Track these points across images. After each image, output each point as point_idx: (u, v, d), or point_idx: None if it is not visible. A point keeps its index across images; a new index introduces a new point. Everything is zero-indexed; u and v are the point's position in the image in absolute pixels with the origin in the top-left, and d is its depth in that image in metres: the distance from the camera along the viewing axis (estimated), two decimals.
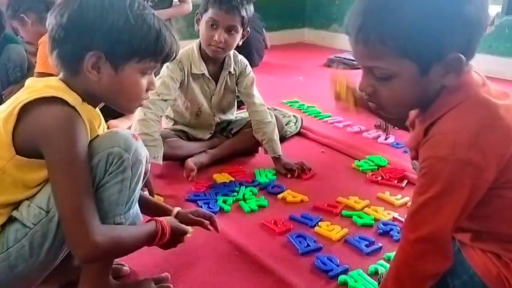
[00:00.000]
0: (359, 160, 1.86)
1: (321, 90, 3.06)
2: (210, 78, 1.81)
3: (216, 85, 1.83)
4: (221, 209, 1.51)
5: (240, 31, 1.73)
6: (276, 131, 1.85)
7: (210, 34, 1.69)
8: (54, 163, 0.88)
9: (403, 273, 0.85)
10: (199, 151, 1.83)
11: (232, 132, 1.97)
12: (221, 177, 1.74)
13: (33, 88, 0.92)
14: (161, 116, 1.76)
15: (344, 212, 1.48)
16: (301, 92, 2.91)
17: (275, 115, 1.93)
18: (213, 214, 1.26)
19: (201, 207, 1.49)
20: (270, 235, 1.37)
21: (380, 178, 1.71)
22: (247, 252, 1.27)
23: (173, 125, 1.92)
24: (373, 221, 1.42)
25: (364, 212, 1.48)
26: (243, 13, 1.70)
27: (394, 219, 1.43)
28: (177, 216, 1.14)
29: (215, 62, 1.81)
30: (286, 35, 4.72)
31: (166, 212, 1.15)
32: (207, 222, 1.19)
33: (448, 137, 0.79)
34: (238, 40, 1.75)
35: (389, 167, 1.80)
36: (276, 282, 1.15)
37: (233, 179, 1.72)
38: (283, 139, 2.05)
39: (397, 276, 0.86)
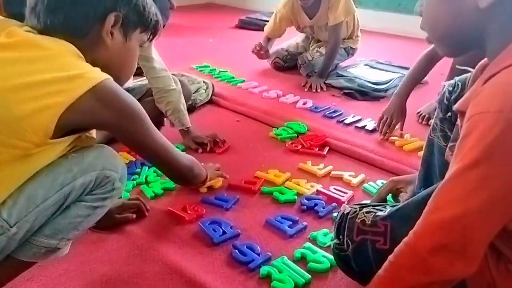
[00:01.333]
0: (277, 128, 1.69)
1: (233, 53, 2.85)
2: None
3: None
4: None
5: None
6: (183, 99, 1.60)
7: None
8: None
9: (402, 270, 0.64)
10: None
11: None
12: None
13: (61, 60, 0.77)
14: None
15: (263, 188, 1.30)
16: (212, 56, 2.66)
17: (180, 81, 1.67)
18: (142, 201, 1.18)
19: None
20: (179, 224, 1.15)
21: (300, 146, 1.56)
22: (150, 248, 1.05)
23: None
24: (295, 197, 1.26)
25: (286, 187, 1.32)
26: None
27: (318, 192, 1.29)
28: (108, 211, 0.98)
29: None
30: None
31: None
32: (131, 215, 1.14)
33: (502, 89, 0.60)
34: None
35: (310, 134, 1.65)
36: (185, 284, 0.95)
37: (133, 158, 1.46)
38: (192, 108, 1.81)
39: (392, 274, 0.66)
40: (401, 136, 1.62)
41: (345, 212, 0.86)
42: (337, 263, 0.89)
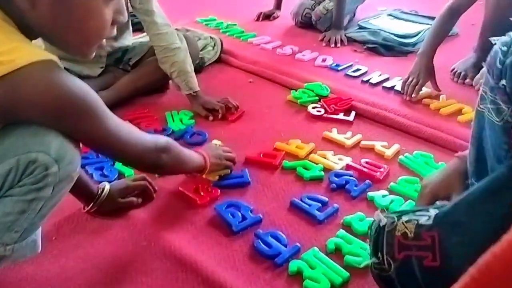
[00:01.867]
0: (296, 90, 1.51)
1: (241, 3, 2.61)
2: None
3: None
4: (120, 174, 1.11)
5: None
6: (189, 59, 1.41)
7: None
8: None
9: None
10: None
11: (131, 63, 1.50)
12: None
13: None
14: None
15: (285, 163, 1.14)
16: (218, 7, 2.43)
17: (186, 37, 1.48)
18: (150, 181, 1.03)
19: (91, 175, 1.08)
20: (192, 208, 1.00)
21: (323, 111, 1.38)
22: (159, 239, 0.90)
23: None
24: (322, 173, 1.10)
25: (310, 161, 1.16)
26: None
27: (348, 167, 1.13)
28: (109, 194, 0.95)
29: None
30: None
31: (91, 192, 0.94)
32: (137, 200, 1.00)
33: None
34: None
35: (333, 97, 1.47)
36: (202, 285, 0.81)
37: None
38: (199, 68, 1.63)
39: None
40: (437, 97, 1.44)
41: (381, 225, 0.70)
42: (378, 285, 0.73)
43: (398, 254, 0.67)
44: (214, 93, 1.47)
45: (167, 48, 1.37)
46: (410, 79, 1.47)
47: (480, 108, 0.77)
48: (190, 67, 1.40)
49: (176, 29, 1.86)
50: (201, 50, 1.71)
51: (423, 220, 0.66)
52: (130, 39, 1.54)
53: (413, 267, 0.65)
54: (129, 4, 1.38)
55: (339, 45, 1.92)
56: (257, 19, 2.26)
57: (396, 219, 0.69)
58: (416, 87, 1.44)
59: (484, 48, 1.55)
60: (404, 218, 0.68)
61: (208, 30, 2.07)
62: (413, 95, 1.43)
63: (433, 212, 0.67)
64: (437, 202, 0.82)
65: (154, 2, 1.38)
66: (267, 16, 2.27)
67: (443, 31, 1.49)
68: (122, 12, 0.72)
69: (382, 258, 0.68)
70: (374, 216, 0.73)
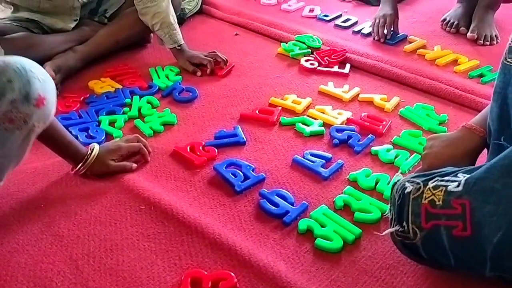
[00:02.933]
0: (286, 43, 1.43)
1: None
2: None
3: None
4: (108, 135, 1.03)
5: None
6: (172, 10, 1.31)
7: None
8: None
9: None
10: (63, 48, 1.25)
11: (107, 15, 1.38)
12: (101, 85, 1.21)
13: None
14: None
15: (282, 119, 1.09)
16: None
17: None
18: (144, 142, 0.96)
19: (76, 136, 0.99)
20: (189, 168, 0.95)
21: (317, 64, 1.32)
22: (159, 202, 0.85)
23: (13, 12, 1.27)
24: (323, 128, 1.06)
25: (308, 116, 1.11)
26: None
27: (349, 121, 1.09)
28: (99, 155, 0.88)
29: None
30: None
31: (79, 152, 0.87)
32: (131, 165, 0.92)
33: None
34: None
35: (325, 49, 1.40)
36: (210, 247, 0.77)
37: (119, 86, 1.21)
38: (181, 21, 1.51)
39: None
40: (432, 47, 1.40)
41: (406, 191, 0.65)
42: (400, 250, 0.70)
43: (425, 223, 0.63)
44: (199, 47, 1.38)
45: None
46: (377, 20, 1.47)
47: (508, 62, 0.72)
48: (173, 19, 1.30)
49: None
50: (182, 1, 1.60)
51: (452, 186, 0.62)
52: None
53: (441, 236, 0.62)
54: None
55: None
56: None
57: (422, 185, 0.65)
58: (386, 27, 1.45)
59: None
60: (431, 184, 0.64)
61: None
62: (385, 37, 1.45)
63: (462, 177, 0.62)
64: None
65: None
66: None
67: None
68: None
69: (407, 226, 0.65)
70: (394, 177, 0.68)
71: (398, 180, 0.69)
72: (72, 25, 1.31)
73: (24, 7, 1.26)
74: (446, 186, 0.62)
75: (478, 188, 0.60)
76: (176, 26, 1.30)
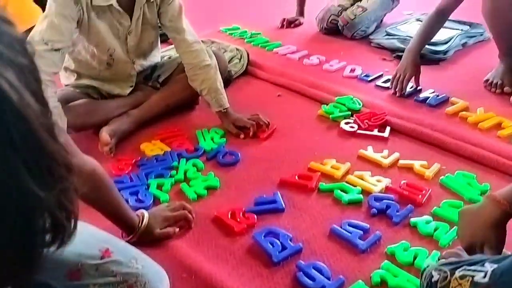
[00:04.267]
0: (327, 105, 1.48)
1: (265, 10, 2.57)
2: (121, 10, 1.28)
3: (130, 20, 1.31)
4: (156, 199, 1.10)
5: None
6: (219, 76, 1.40)
7: None
8: None
9: None
10: (119, 113, 1.36)
11: (160, 80, 1.49)
12: (152, 147, 1.30)
13: None
14: (56, 73, 1.24)
15: (321, 185, 1.12)
16: (241, 14, 2.41)
17: (215, 54, 1.46)
18: (189, 209, 1.02)
19: (126, 200, 1.07)
20: (229, 235, 0.99)
21: (356, 127, 1.35)
22: (200, 270, 0.89)
23: (76, 79, 1.41)
24: (361, 196, 1.08)
25: (347, 183, 1.13)
26: None
27: (388, 189, 1.10)
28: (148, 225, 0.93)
29: None
30: None
31: (132, 223, 0.92)
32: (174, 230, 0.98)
33: None
34: None
35: (365, 111, 1.43)
36: None
37: (168, 148, 1.29)
38: (227, 82, 1.60)
39: None
40: (475, 110, 1.39)
41: (433, 280, 0.66)
42: None
43: None
44: (243, 108, 1.46)
45: (197, 66, 1.36)
46: (398, 75, 1.53)
47: None
48: (220, 84, 1.38)
49: (202, 41, 1.86)
50: (228, 63, 1.70)
51: (478, 277, 0.61)
52: (159, 55, 1.53)
53: None
54: (158, 21, 1.38)
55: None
56: (281, 26, 2.23)
57: (449, 274, 0.65)
58: (404, 81, 1.50)
59: (509, 51, 1.51)
60: (458, 273, 0.64)
61: (232, 40, 2.06)
62: (402, 91, 1.51)
63: (489, 267, 0.62)
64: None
65: (184, 20, 1.37)
66: (291, 23, 2.23)
67: (431, 31, 1.58)
68: None
69: None
70: (425, 269, 0.69)
71: (428, 266, 0.69)
72: (128, 91, 1.43)
73: (86, 74, 1.40)
74: (473, 276, 0.62)
75: (505, 280, 0.60)
76: (223, 90, 1.39)
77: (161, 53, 1.57)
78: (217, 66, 1.40)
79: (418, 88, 1.53)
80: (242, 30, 2.17)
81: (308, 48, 1.93)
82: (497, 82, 1.54)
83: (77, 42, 1.30)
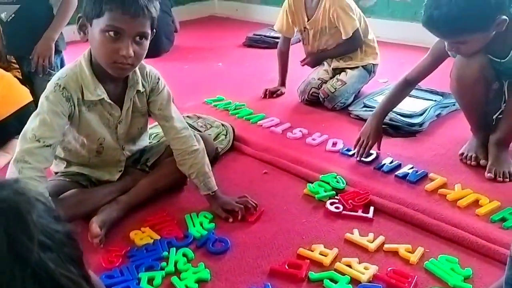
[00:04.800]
0: (312, 183, 1.53)
1: (246, 80, 2.64)
2: (112, 103, 1.33)
3: (121, 110, 1.36)
4: None
5: (150, 34, 1.27)
6: (207, 159, 1.44)
7: (112, 48, 1.20)
8: None
9: None
10: (108, 200, 1.37)
11: (149, 164, 1.53)
12: (141, 235, 1.31)
13: None
14: (47, 168, 1.26)
15: (311, 274, 1.14)
16: (223, 84, 2.51)
17: (202, 137, 1.51)
18: None
19: None
20: None
21: (341, 208, 1.40)
22: None
23: (66, 167, 1.43)
24: (350, 286, 1.10)
25: (336, 271, 1.15)
26: (153, 11, 1.22)
27: (375, 277, 1.13)
28: None
29: (116, 80, 1.32)
30: (196, 9, 4.22)
31: None
32: None
33: None
34: (147, 47, 1.28)
35: (349, 190, 1.48)
36: None
37: (157, 236, 1.30)
38: (215, 159, 1.65)
39: None
40: (453, 186, 1.45)
41: None
42: None
43: None
44: (231, 187, 1.49)
45: (186, 151, 1.40)
46: (362, 139, 1.64)
47: None
48: (208, 167, 1.42)
49: (188, 116, 1.92)
50: (214, 140, 1.75)
51: None
52: (147, 139, 1.57)
53: None
54: (147, 109, 1.43)
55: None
56: (264, 97, 2.31)
57: None
58: (367, 148, 1.62)
59: (480, 126, 1.61)
60: None
61: (217, 112, 2.12)
62: (363, 158, 1.63)
63: None
64: None
65: (173, 107, 1.43)
66: (273, 93, 2.32)
67: (396, 99, 1.69)
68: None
69: None
70: None
71: None
72: (118, 176, 1.45)
73: (75, 162, 1.42)
74: None
75: None
76: (210, 174, 1.42)
77: (149, 140, 1.61)
78: (205, 150, 1.45)
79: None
80: (227, 101, 2.24)
81: (291, 120, 2.01)
82: (471, 156, 1.62)
83: (67, 133, 1.34)
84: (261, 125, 1.99)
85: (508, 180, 1.50)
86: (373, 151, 1.67)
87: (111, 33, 1.18)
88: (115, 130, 1.38)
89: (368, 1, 3.37)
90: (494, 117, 1.59)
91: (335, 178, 1.54)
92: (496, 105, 1.58)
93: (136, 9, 1.17)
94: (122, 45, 1.19)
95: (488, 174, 1.52)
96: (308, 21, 2.19)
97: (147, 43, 1.26)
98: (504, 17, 1.32)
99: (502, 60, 1.46)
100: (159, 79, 1.41)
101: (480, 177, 1.54)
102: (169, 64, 2.79)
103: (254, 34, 3.31)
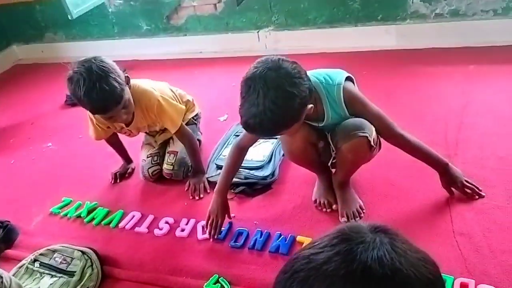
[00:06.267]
0: None
1: (86, 166, 2.31)
2: None
3: None
4: None
5: None
6: None
7: None
8: None
9: None
10: None
11: None
12: None
13: None
14: None
15: None
16: (63, 179, 2.28)
17: None
18: None
19: None
20: None
21: None
22: None
23: None
24: None
25: None
26: None
27: None
28: None
29: None
30: None
31: None
32: None
33: None
34: None
35: None
36: None
37: None
38: None
39: None
40: None
41: None
42: None
43: None
44: None
45: None
46: (212, 218, 1.68)
47: None
48: None
49: (41, 254, 1.70)
50: (81, 278, 1.61)
51: None
52: None
53: None
54: None
55: (202, 195, 1.94)
56: (114, 181, 2.17)
57: None
58: (218, 227, 1.67)
59: (320, 172, 1.77)
60: None
61: (69, 224, 1.94)
62: (216, 236, 1.67)
63: None
64: None
65: None
66: (123, 175, 2.19)
67: (236, 167, 1.74)
68: None
69: None
70: None
71: None
72: None
73: None
74: None
75: None
76: None
77: None
78: None
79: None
80: (76, 204, 2.04)
81: (152, 207, 1.94)
82: (324, 202, 1.77)
83: None
84: (124, 228, 1.88)
85: (358, 218, 1.68)
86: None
87: None
88: None
89: (179, 19, 3.28)
90: (329, 164, 1.73)
91: (217, 279, 1.55)
92: (327, 153, 1.71)
93: None
94: None
95: (343, 219, 1.68)
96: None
97: None
98: (310, 105, 1.42)
99: (320, 125, 1.59)
100: None
101: (337, 222, 1.70)
102: None
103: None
